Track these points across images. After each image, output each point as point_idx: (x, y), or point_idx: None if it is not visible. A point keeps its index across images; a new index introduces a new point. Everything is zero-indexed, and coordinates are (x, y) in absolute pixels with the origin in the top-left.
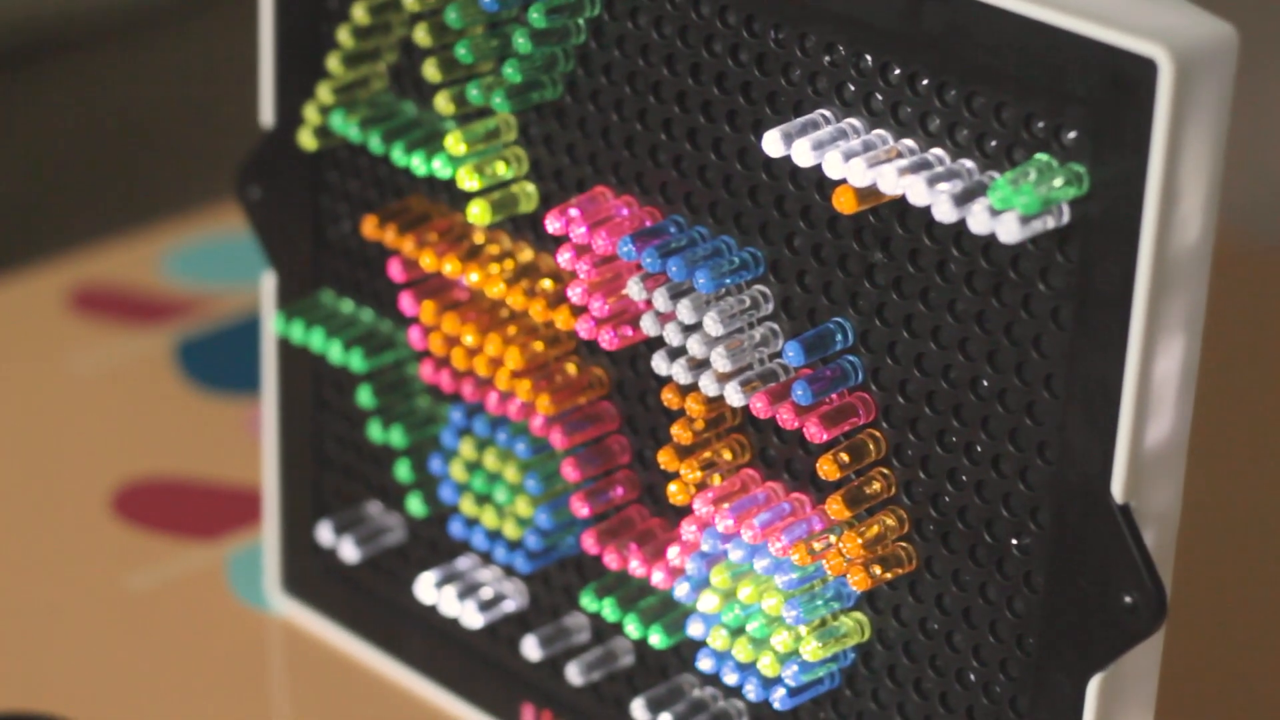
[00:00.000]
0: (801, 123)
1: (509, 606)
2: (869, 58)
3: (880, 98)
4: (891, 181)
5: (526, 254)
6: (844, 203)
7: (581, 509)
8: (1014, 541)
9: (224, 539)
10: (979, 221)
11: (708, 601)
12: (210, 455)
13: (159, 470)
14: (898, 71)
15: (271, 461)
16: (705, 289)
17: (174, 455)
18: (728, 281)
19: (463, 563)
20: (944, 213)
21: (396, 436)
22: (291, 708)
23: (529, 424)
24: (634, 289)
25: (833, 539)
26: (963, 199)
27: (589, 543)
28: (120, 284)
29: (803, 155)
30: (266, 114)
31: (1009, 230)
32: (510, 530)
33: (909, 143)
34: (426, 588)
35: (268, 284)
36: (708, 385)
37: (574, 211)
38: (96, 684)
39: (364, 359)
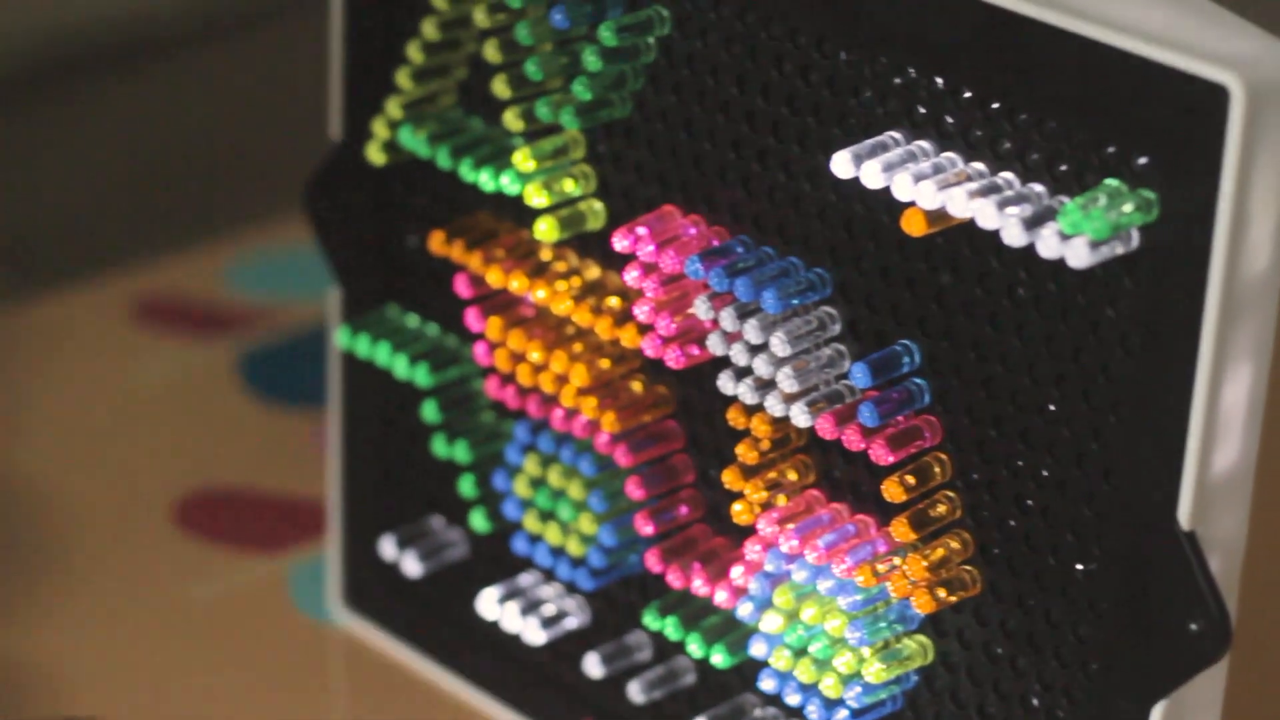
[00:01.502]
0: (871, 144)
1: (571, 624)
2: (940, 80)
3: (951, 120)
4: (961, 205)
5: (593, 271)
6: (913, 225)
7: (645, 527)
8: (1079, 566)
9: (286, 551)
10: (1048, 246)
11: (771, 622)
12: (273, 467)
13: (222, 482)
14: (969, 94)
15: (335, 475)
16: (772, 309)
17: (237, 467)
18: (795, 302)
19: (525, 579)
20: (1013, 237)
21: (461, 452)
22: None
23: (594, 441)
24: (701, 308)
25: (897, 561)
26: (1032, 223)
27: (652, 561)
28: (184, 296)
29: (872, 177)
30: (335, 128)
31: (1078, 255)
32: (574, 547)
33: (979, 165)
34: (489, 604)
35: (333, 298)
36: (774, 406)
37: (642, 230)
38: (157, 694)
39: (429, 374)
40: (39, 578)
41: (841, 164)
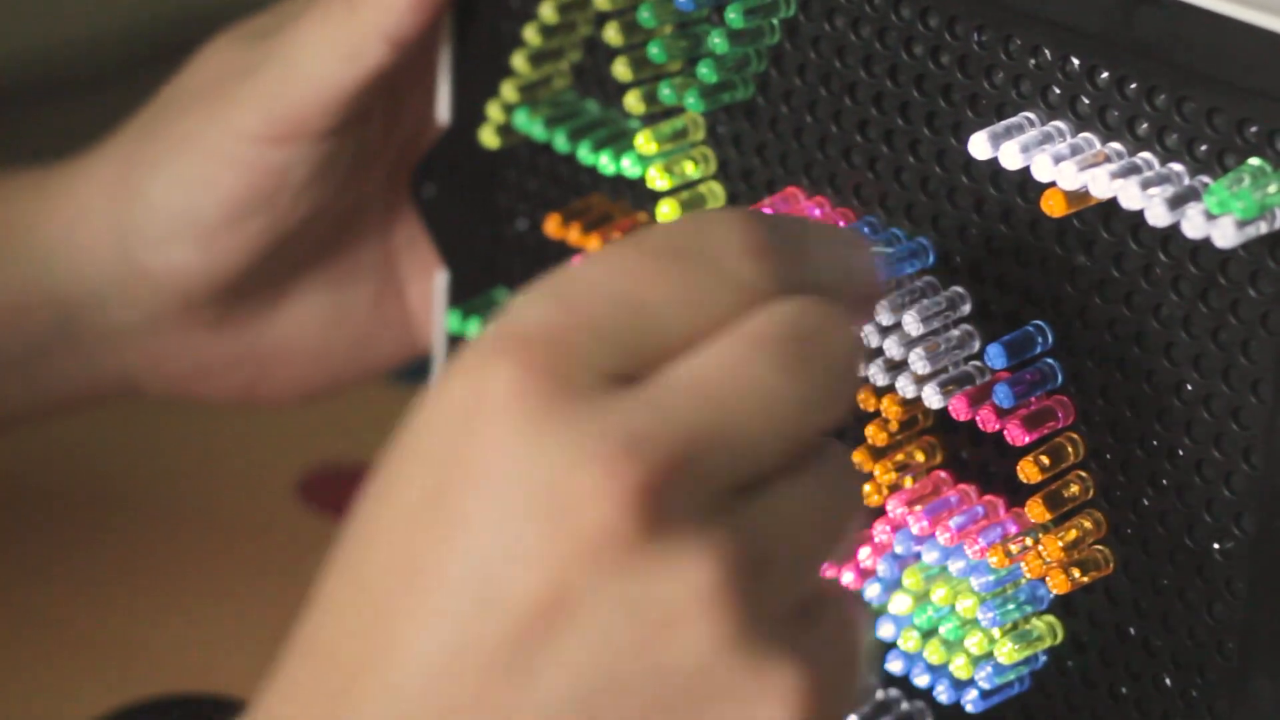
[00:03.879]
0: (1007, 125)
1: None
2: (1076, 61)
3: (1087, 101)
4: (1103, 185)
5: None
6: (1053, 206)
7: None
8: (1215, 546)
9: None
10: (1194, 226)
11: (900, 603)
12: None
13: (344, 457)
14: (1105, 75)
15: None
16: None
17: (359, 443)
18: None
19: None
20: (1158, 216)
21: None
22: None
23: None
24: None
25: (1029, 542)
26: (1176, 203)
27: None
28: None
29: (1011, 158)
30: (443, 112)
31: (1225, 235)
32: None
33: (1116, 146)
34: None
35: (440, 281)
36: (905, 387)
37: (768, 211)
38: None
39: None
40: (163, 553)
41: (979, 145)
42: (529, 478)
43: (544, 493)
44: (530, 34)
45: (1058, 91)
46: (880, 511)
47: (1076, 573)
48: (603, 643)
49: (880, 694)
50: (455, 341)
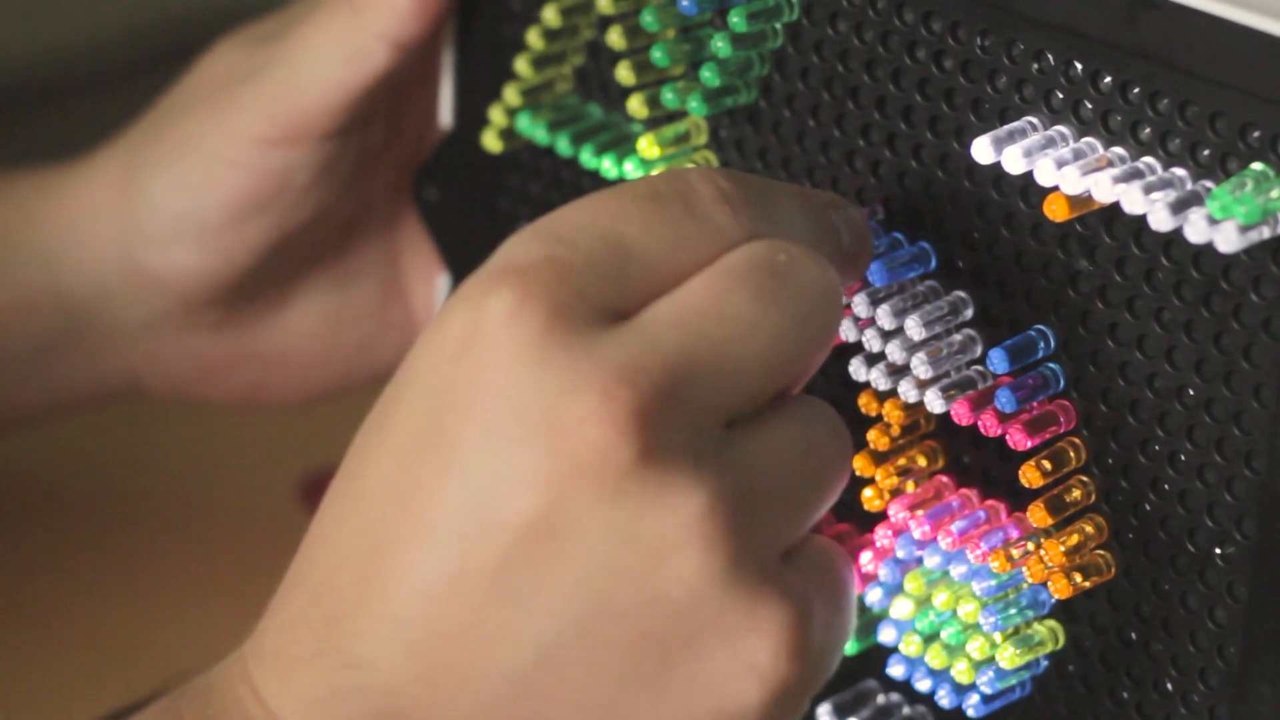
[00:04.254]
0: (1009, 130)
1: None
2: (1079, 65)
3: (1090, 105)
4: (1106, 190)
5: None
6: (1055, 210)
7: None
8: (1217, 550)
9: None
10: (1197, 230)
11: (901, 607)
12: None
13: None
14: (1108, 79)
15: None
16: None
17: None
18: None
19: None
20: (1160, 221)
21: None
22: None
23: None
24: None
25: (1031, 546)
26: (1178, 208)
27: None
28: None
29: (1013, 162)
30: (446, 116)
31: (1228, 240)
32: None
33: (1119, 150)
34: None
35: (442, 285)
36: (907, 391)
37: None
38: None
39: None
40: (164, 556)
41: (982, 149)
42: (526, 402)
43: (541, 416)
44: (533, 38)
45: (1061, 96)
46: (882, 516)
47: (1078, 577)
48: (595, 568)
49: (882, 699)
50: None
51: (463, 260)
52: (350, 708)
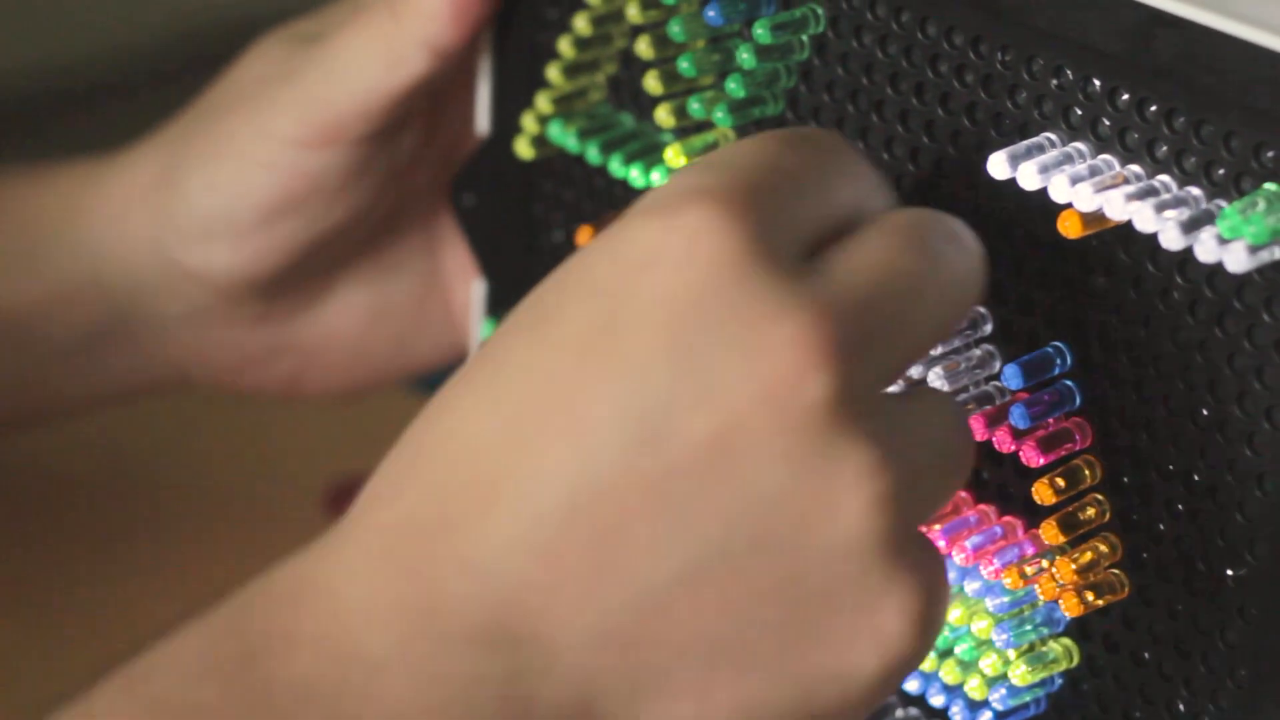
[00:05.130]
0: (1027, 145)
1: None
2: (1097, 82)
3: (1107, 123)
4: (1119, 207)
5: None
6: (1069, 227)
7: None
8: (1229, 572)
9: None
10: (1206, 250)
11: None
12: None
13: (369, 467)
14: (1126, 97)
15: None
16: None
17: (384, 453)
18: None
19: None
20: (1171, 240)
21: None
22: None
23: None
24: None
25: (1045, 564)
26: (1190, 227)
27: None
28: None
29: (1029, 178)
30: (483, 123)
31: (1237, 260)
32: None
33: (1135, 168)
34: None
35: (478, 291)
36: None
37: None
38: None
39: None
40: (188, 562)
41: (998, 165)
42: (723, 317)
43: (737, 334)
44: (564, 46)
45: (1079, 112)
46: None
47: (1090, 596)
48: (760, 499)
49: (900, 713)
50: None
51: (499, 266)
52: (456, 622)
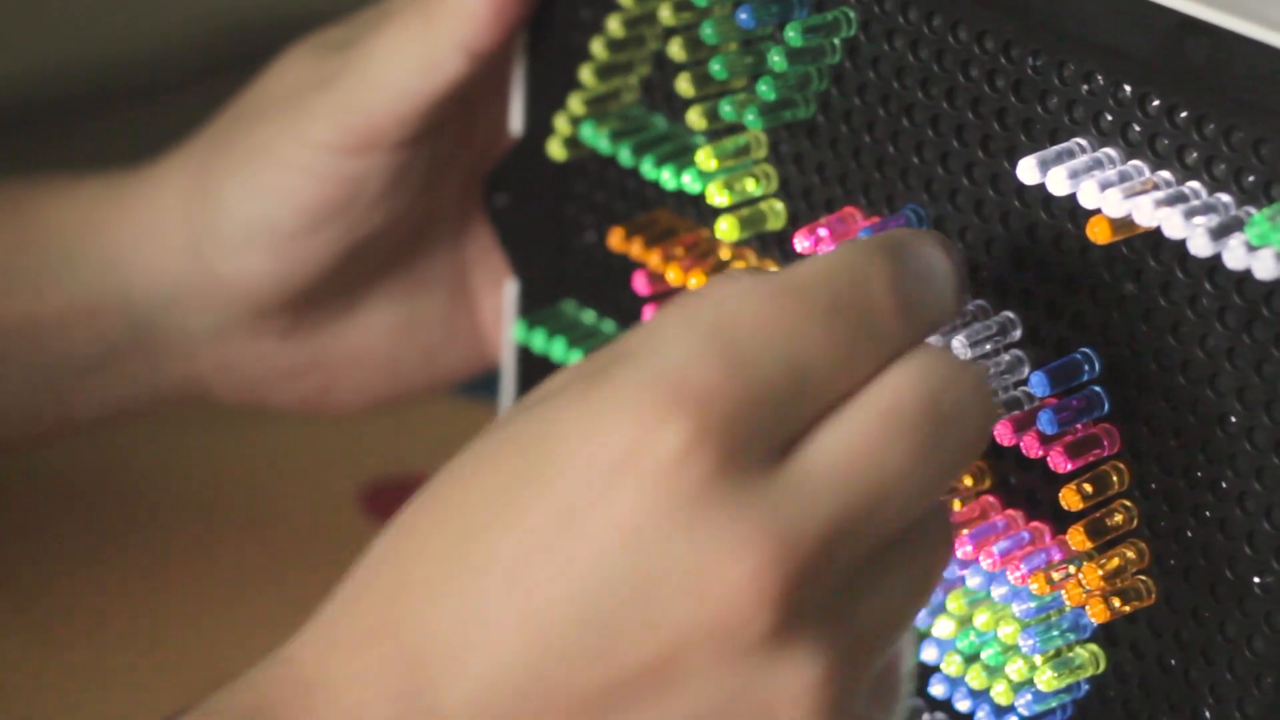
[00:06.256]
0: (1057, 151)
1: None
2: (1128, 88)
3: (1138, 128)
4: (1148, 213)
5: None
6: (1098, 233)
7: None
8: (1256, 579)
9: None
10: (1235, 257)
11: (943, 627)
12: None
13: (405, 470)
14: (1156, 103)
15: None
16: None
17: (420, 455)
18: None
19: None
20: (1200, 247)
21: None
22: None
23: None
24: None
25: (1072, 569)
26: (1219, 233)
27: None
28: None
29: (1058, 184)
30: (516, 123)
31: (1265, 267)
32: None
33: (1165, 174)
34: None
35: (510, 291)
36: None
37: (823, 231)
38: None
39: None
40: (225, 563)
41: (1027, 170)
42: (678, 550)
43: (689, 570)
44: (597, 47)
45: (1109, 118)
46: None
47: (1117, 602)
48: (697, 717)
49: (927, 717)
50: (523, 352)
51: (531, 267)
52: None
